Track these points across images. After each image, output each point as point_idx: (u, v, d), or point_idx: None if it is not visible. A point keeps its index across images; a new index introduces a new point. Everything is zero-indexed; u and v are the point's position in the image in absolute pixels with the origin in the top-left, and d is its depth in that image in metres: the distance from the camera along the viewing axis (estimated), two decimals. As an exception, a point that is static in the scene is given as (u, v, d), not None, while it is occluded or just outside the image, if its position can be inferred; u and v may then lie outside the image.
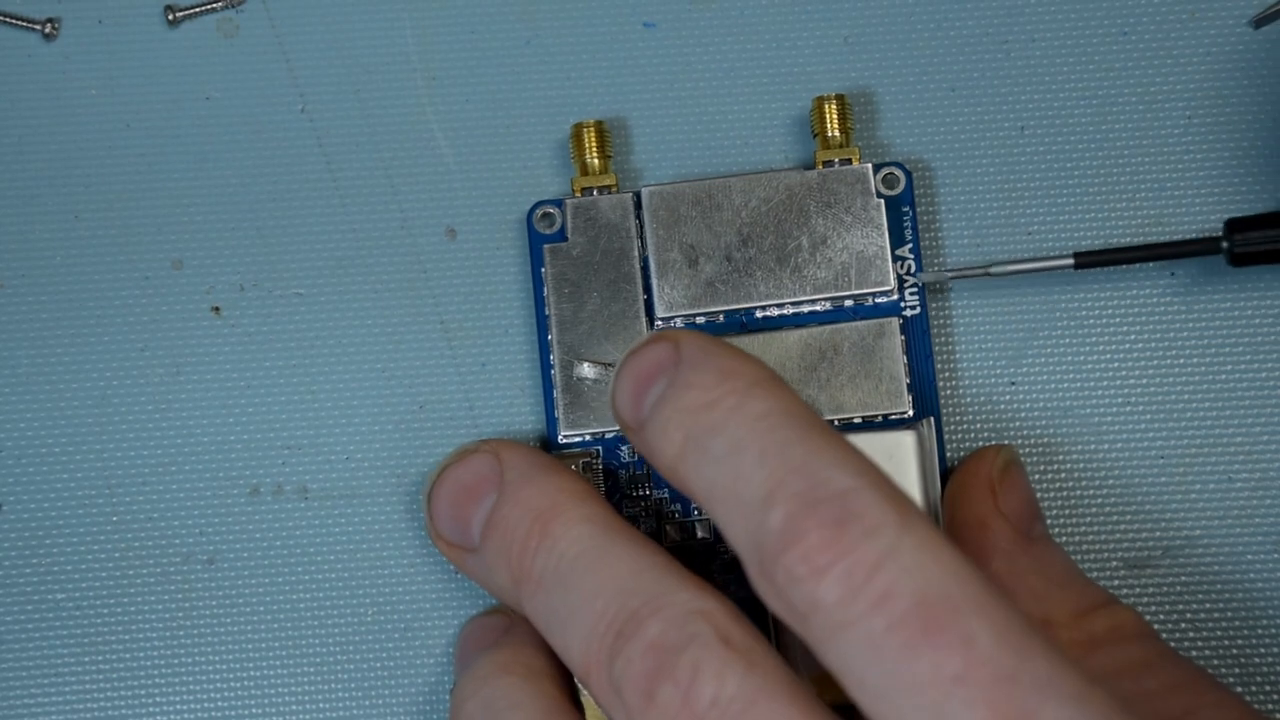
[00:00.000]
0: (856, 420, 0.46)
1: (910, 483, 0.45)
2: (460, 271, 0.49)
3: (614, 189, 0.48)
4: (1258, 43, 0.49)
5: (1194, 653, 0.48)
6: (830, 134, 0.48)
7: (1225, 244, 0.47)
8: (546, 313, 0.48)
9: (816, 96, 0.48)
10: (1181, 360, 0.49)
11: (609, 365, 0.46)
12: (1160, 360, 0.49)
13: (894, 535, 0.35)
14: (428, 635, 0.48)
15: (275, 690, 0.48)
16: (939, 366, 0.48)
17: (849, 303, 0.47)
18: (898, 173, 0.48)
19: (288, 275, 0.49)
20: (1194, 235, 0.49)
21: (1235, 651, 0.48)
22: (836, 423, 0.46)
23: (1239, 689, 0.47)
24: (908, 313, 0.47)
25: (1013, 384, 0.49)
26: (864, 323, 0.47)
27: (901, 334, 0.47)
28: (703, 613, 0.37)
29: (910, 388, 0.47)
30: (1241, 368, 0.49)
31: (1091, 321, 0.49)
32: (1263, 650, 0.48)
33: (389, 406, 0.49)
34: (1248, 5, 0.49)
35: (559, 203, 0.48)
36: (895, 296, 0.47)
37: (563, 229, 0.48)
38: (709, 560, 0.47)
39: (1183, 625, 0.48)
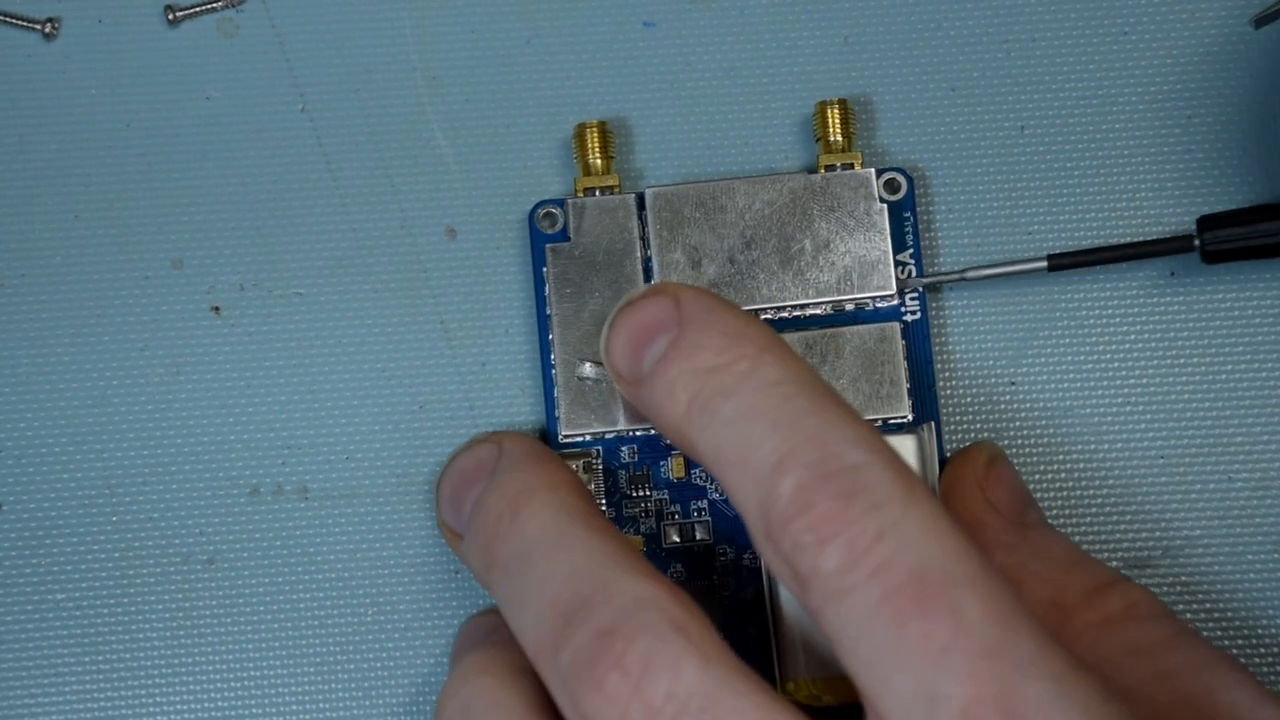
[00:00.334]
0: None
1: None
2: (460, 271, 0.49)
3: (616, 189, 0.48)
4: (1258, 43, 0.49)
5: (1194, 653, 0.48)
6: (832, 138, 0.48)
7: (1197, 242, 0.47)
8: (548, 312, 0.47)
9: (819, 101, 0.48)
10: (1182, 360, 0.49)
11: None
12: (1160, 360, 0.49)
13: (898, 510, 0.36)
14: (428, 635, 0.48)
15: (275, 690, 0.48)
16: (938, 366, 0.48)
17: (850, 306, 0.47)
18: (899, 178, 0.48)
19: (288, 275, 0.49)
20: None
21: (1235, 651, 0.48)
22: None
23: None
24: (908, 317, 0.47)
25: (1013, 384, 0.49)
26: (865, 327, 0.47)
27: (902, 338, 0.47)
28: (654, 601, 0.37)
29: (910, 392, 0.47)
30: (1241, 367, 0.49)
31: (1092, 321, 0.49)
32: (1263, 650, 0.48)
33: (389, 406, 0.49)
34: (1248, 5, 0.49)
35: (561, 202, 0.48)
36: (896, 301, 0.47)
37: (565, 229, 0.48)
38: (709, 561, 0.47)
39: (1183, 625, 0.48)
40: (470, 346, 0.49)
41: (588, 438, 0.47)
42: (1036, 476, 0.48)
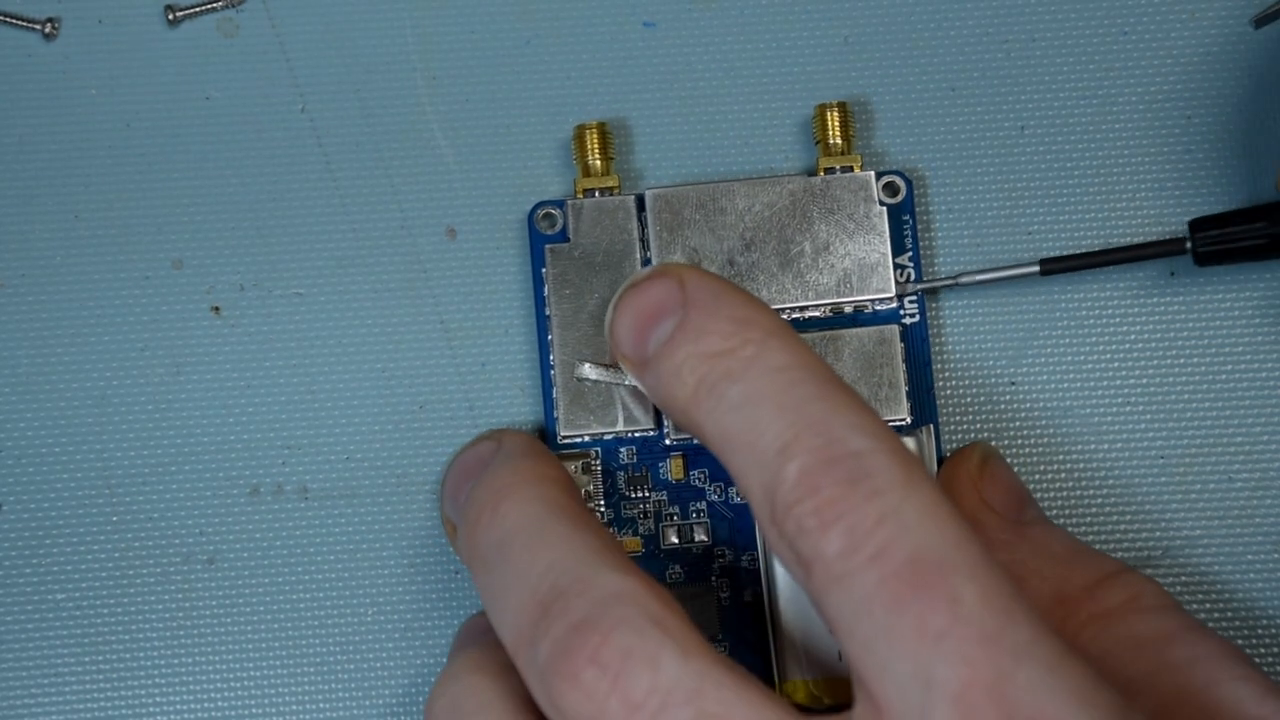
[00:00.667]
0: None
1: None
2: (460, 271, 0.49)
3: (616, 190, 0.48)
4: (1258, 43, 0.49)
5: (1193, 654, 0.48)
6: (832, 141, 0.48)
7: (1189, 244, 0.47)
8: (547, 313, 0.47)
9: (819, 104, 0.48)
10: (1182, 360, 0.49)
11: (610, 366, 0.46)
12: (1160, 360, 0.49)
13: (899, 496, 0.36)
14: (428, 635, 0.48)
15: (275, 690, 0.48)
16: (937, 369, 0.48)
17: (850, 309, 0.47)
18: (899, 181, 0.48)
19: (288, 275, 0.49)
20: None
21: (1235, 652, 0.48)
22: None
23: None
24: (907, 320, 0.47)
25: (1013, 384, 0.49)
26: (864, 329, 0.47)
27: (901, 341, 0.47)
28: (632, 595, 0.38)
29: (909, 394, 0.47)
30: (1242, 367, 0.49)
31: (1091, 322, 0.49)
32: (1263, 650, 0.48)
33: (389, 406, 0.49)
34: (1248, 5, 0.49)
35: (560, 203, 0.48)
36: (895, 304, 0.47)
37: (564, 229, 0.48)
38: (707, 563, 0.47)
39: (1182, 626, 0.48)
40: (470, 346, 0.49)
41: (586, 438, 0.47)
42: (1036, 477, 0.48)
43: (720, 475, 0.47)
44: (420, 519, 0.48)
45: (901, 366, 0.47)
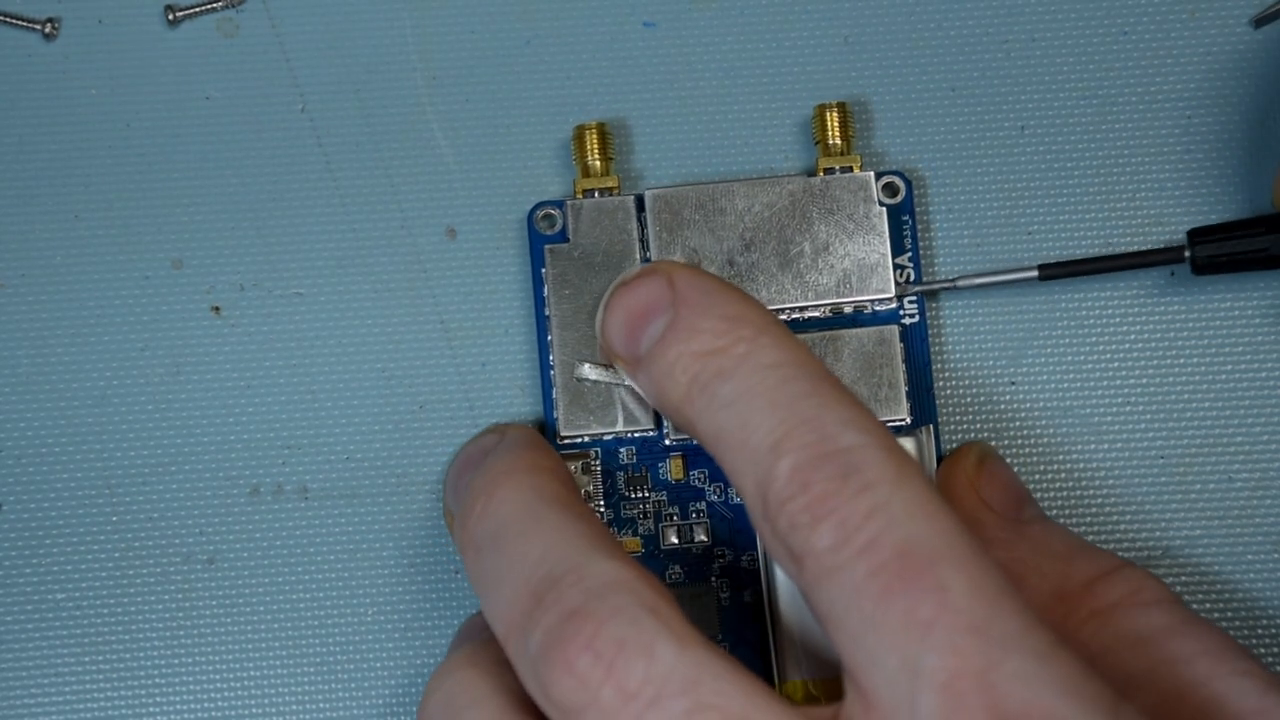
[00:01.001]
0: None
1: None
2: (460, 271, 0.49)
3: (616, 191, 0.48)
4: (1258, 43, 0.49)
5: (1193, 654, 0.48)
6: (831, 141, 0.48)
7: (1188, 254, 0.47)
8: (546, 313, 0.47)
9: (818, 104, 0.48)
10: (1182, 360, 0.49)
11: (609, 366, 0.46)
12: (1160, 360, 0.49)
13: (888, 490, 0.36)
14: (427, 635, 0.48)
15: (275, 690, 0.48)
16: (937, 369, 0.48)
17: (849, 309, 0.47)
18: (898, 181, 0.48)
19: (288, 275, 0.49)
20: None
21: (1234, 652, 0.48)
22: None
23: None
24: (907, 320, 0.47)
25: (1013, 384, 0.49)
26: (864, 330, 0.47)
27: (901, 341, 0.47)
28: (626, 583, 0.38)
29: (909, 395, 0.47)
30: (1242, 367, 0.49)
31: (1091, 322, 0.49)
32: (1262, 650, 0.48)
33: (389, 406, 0.49)
34: (1248, 5, 0.49)
35: (560, 204, 0.48)
36: (895, 304, 0.47)
37: (564, 230, 0.48)
38: (707, 563, 0.47)
39: (1182, 626, 0.48)
40: (470, 346, 0.49)
41: (586, 439, 0.47)
42: (1036, 477, 0.48)
43: (720, 475, 0.47)
44: (420, 519, 0.48)
45: (901, 367, 0.47)
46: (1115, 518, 0.48)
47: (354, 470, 0.48)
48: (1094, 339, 0.49)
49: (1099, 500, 0.48)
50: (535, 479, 0.41)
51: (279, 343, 0.49)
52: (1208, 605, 0.48)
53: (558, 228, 0.48)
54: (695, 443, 0.47)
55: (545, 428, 0.48)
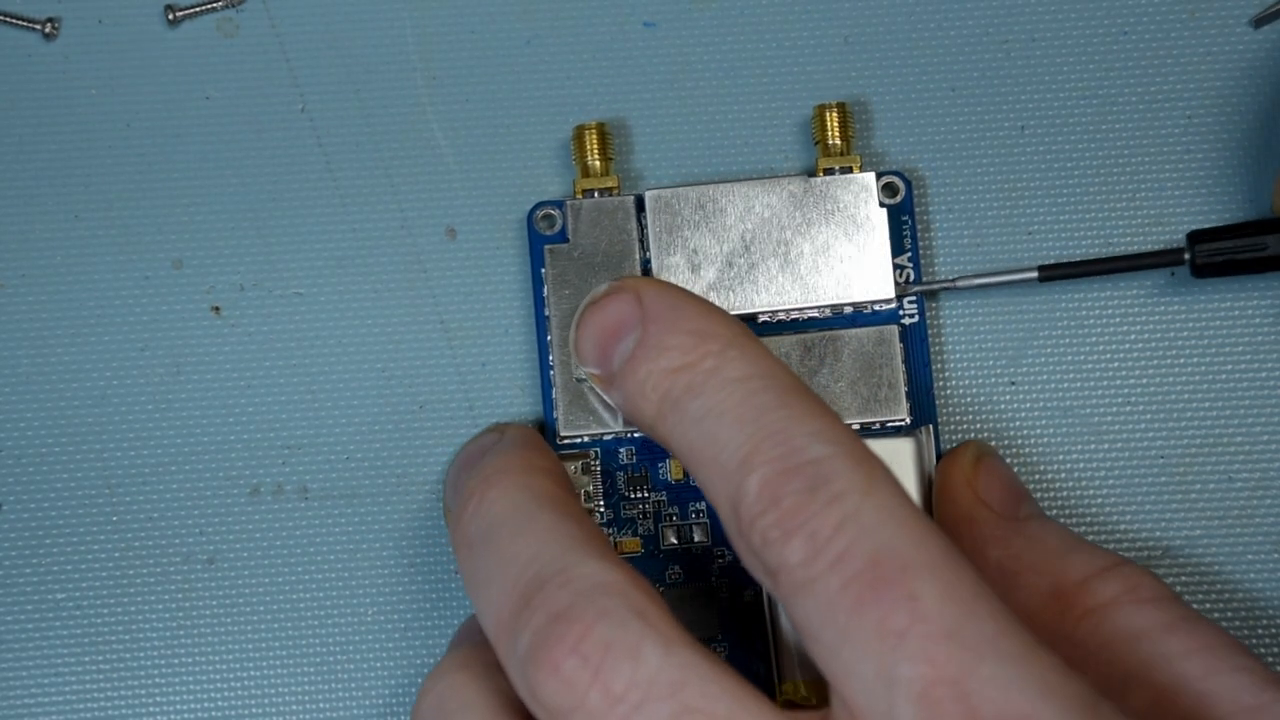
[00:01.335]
0: (855, 427, 0.46)
1: (908, 489, 0.45)
2: (460, 271, 0.49)
3: (615, 191, 0.48)
4: (1258, 43, 0.49)
5: (1193, 654, 0.48)
6: (831, 142, 0.48)
7: (1188, 256, 0.47)
8: (546, 313, 0.48)
9: (818, 105, 0.48)
10: (1182, 360, 0.49)
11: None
12: (1160, 360, 0.49)
13: (858, 499, 0.36)
14: (427, 635, 0.48)
15: (275, 690, 0.48)
16: (937, 367, 0.48)
17: (849, 309, 0.47)
18: (898, 182, 0.48)
19: (288, 275, 0.49)
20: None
21: (1234, 652, 0.48)
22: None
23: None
24: (906, 320, 0.47)
25: (1013, 384, 0.49)
26: (864, 330, 0.47)
27: (900, 342, 0.47)
28: (614, 586, 0.37)
29: (909, 395, 0.47)
30: (1242, 368, 0.49)
31: (1091, 322, 0.49)
32: (1263, 650, 0.48)
33: (389, 406, 0.49)
34: (1248, 5, 0.49)
35: (560, 204, 0.48)
36: (894, 305, 0.47)
37: (563, 230, 0.48)
38: (706, 563, 0.47)
39: (1182, 626, 0.48)
40: (470, 346, 0.49)
41: (586, 439, 0.47)
42: (1036, 477, 0.48)
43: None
44: (420, 519, 0.48)
45: (901, 367, 0.47)
46: (1115, 518, 0.48)
47: (354, 470, 0.48)
48: (1094, 340, 0.49)
49: (1099, 500, 0.48)
50: (529, 479, 0.41)
51: (279, 343, 0.49)
52: (1208, 605, 0.48)
53: (557, 228, 0.48)
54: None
55: (545, 428, 0.48)
